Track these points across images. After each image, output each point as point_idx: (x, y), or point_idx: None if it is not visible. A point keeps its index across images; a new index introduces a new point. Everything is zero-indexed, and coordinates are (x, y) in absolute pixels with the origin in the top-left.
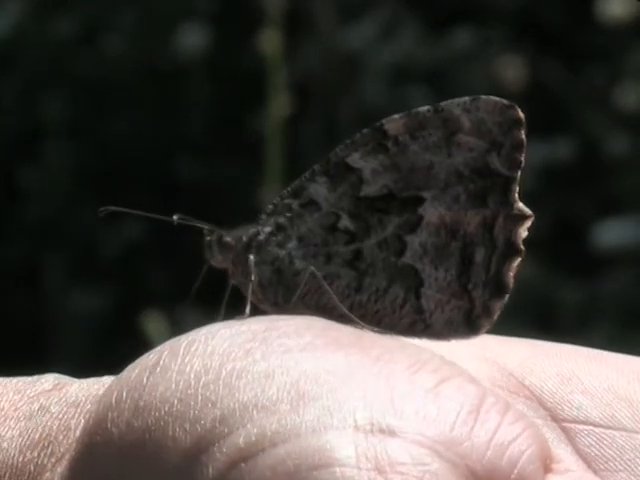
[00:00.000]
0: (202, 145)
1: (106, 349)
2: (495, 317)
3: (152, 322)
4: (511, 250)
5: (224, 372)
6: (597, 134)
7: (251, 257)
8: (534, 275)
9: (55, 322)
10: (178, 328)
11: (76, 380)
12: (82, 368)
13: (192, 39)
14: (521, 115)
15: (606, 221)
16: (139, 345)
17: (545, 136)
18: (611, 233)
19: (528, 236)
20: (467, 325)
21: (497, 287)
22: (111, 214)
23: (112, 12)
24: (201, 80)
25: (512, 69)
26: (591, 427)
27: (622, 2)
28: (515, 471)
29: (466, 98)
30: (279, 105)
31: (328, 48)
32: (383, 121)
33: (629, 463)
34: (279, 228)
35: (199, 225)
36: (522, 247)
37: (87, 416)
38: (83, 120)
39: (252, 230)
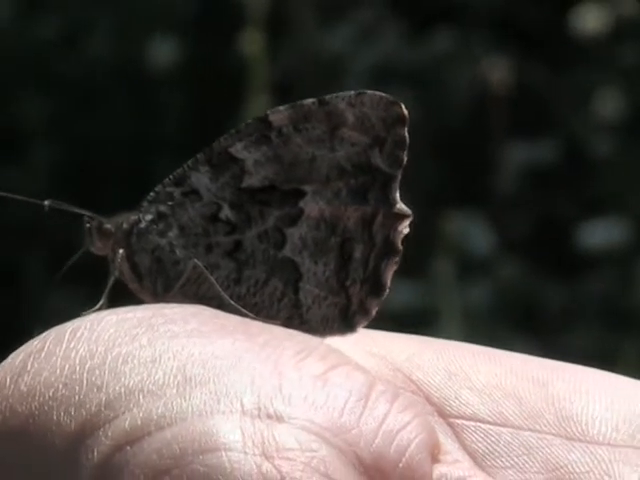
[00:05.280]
0: (181, 147)
1: None
2: (372, 315)
3: None
4: (389, 249)
5: (110, 357)
6: (581, 135)
7: (120, 251)
8: (518, 276)
9: (37, 323)
10: None
11: None
12: None
13: (171, 40)
14: (405, 112)
15: (590, 222)
16: None
17: (529, 137)
18: (595, 234)
19: (513, 237)
20: (343, 322)
21: (374, 285)
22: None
23: (92, 14)
24: (181, 82)
25: (497, 71)
26: (478, 423)
27: (596, 13)
28: (403, 459)
29: (351, 92)
30: (260, 107)
31: (310, 49)
32: (268, 112)
33: (516, 460)
34: (160, 216)
35: (77, 211)
36: (400, 247)
37: None
38: (63, 121)
39: (133, 217)
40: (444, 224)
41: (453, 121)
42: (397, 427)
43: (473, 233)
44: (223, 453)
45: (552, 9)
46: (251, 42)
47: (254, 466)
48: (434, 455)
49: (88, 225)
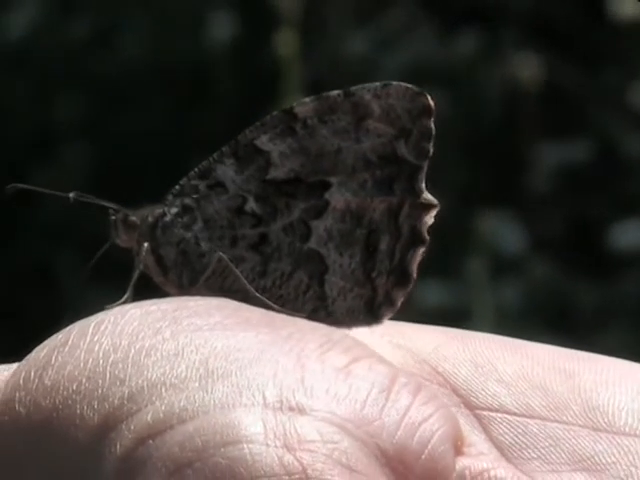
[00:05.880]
0: (218, 145)
1: None
2: (397, 306)
3: None
4: (416, 239)
5: (133, 350)
6: (614, 135)
7: (145, 244)
8: (550, 276)
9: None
10: None
11: None
12: None
13: (209, 38)
14: (431, 103)
15: (623, 222)
16: None
17: (561, 137)
18: (628, 234)
19: (545, 237)
20: (369, 313)
21: (401, 276)
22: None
23: (128, 12)
24: (216, 80)
25: (528, 70)
26: (505, 415)
27: (633, 2)
28: (426, 451)
29: (377, 83)
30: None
31: (341, 49)
32: (294, 104)
33: (543, 451)
34: (185, 209)
35: (103, 204)
36: (427, 236)
37: None
38: (98, 120)
39: (158, 210)
40: (476, 224)
41: (485, 120)
42: (420, 419)
43: (505, 233)
44: (245, 445)
45: (582, 6)
46: (285, 44)
47: (276, 458)
48: (457, 447)
49: (113, 217)
